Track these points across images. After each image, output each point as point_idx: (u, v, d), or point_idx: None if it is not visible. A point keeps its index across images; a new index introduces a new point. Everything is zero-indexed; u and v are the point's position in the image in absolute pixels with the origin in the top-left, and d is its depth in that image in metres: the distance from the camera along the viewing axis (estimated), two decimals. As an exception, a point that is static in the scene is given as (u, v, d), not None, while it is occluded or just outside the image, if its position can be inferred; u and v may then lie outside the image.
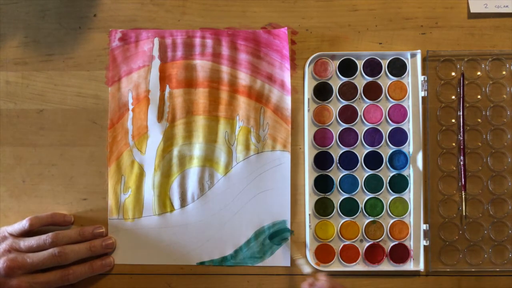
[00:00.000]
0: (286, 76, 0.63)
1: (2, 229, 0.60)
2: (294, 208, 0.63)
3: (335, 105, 0.63)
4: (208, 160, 0.63)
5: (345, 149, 0.63)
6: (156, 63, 0.63)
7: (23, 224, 0.59)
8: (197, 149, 0.63)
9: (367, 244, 0.62)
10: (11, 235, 0.59)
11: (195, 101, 0.63)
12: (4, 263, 0.56)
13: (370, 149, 0.63)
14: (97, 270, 0.61)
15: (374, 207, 0.62)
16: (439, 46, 0.63)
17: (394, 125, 0.63)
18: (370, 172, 0.63)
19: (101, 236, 0.61)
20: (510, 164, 0.63)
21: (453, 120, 0.63)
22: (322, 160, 0.63)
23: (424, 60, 0.63)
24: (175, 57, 0.63)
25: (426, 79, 0.62)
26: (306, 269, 0.57)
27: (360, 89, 0.63)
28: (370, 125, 0.63)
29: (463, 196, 0.62)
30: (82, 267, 0.60)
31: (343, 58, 0.63)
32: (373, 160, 0.63)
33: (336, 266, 0.62)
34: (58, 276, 0.58)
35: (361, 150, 0.63)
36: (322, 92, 0.63)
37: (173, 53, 0.63)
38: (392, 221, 0.62)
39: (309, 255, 0.62)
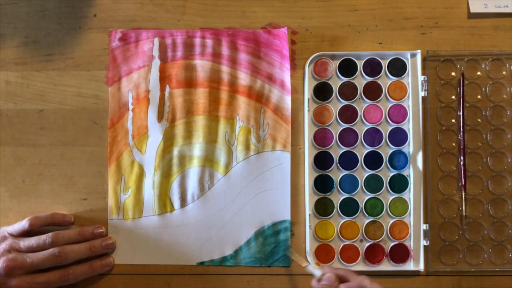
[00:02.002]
0: (286, 76, 0.63)
1: (2, 229, 0.60)
2: (294, 208, 0.63)
3: (335, 105, 0.63)
4: (208, 160, 0.63)
5: (345, 149, 0.63)
6: (156, 63, 0.63)
7: (23, 224, 0.59)
8: (197, 149, 0.63)
9: (367, 244, 0.62)
10: (11, 235, 0.59)
11: (195, 101, 0.63)
12: (4, 263, 0.56)
13: (370, 149, 0.63)
14: (97, 270, 0.61)
15: (374, 207, 0.62)
16: (439, 46, 0.63)
17: (394, 125, 0.63)
18: (370, 172, 0.63)
19: (101, 236, 0.61)
20: (510, 164, 0.63)
21: (453, 120, 0.63)
22: (322, 160, 0.63)
23: (424, 60, 0.63)
24: (175, 57, 0.63)
25: (426, 79, 0.62)
26: (318, 273, 0.57)
27: (360, 89, 0.63)
28: (370, 125, 0.63)
29: (463, 196, 0.62)
30: (82, 267, 0.60)
31: (343, 58, 0.63)
32: (373, 160, 0.63)
33: (336, 266, 0.62)
34: (58, 276, 0.58)
35: (361, 150, 0.63)
36: (322, 92, 0.63)
37: (173, 53, 0.63)
38: (392, 221, 0.62)
39: (309, 255, 0.62)
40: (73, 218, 0.62)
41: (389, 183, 0.62)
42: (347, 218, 0.62)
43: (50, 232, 0.59)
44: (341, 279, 0.54)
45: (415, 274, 0.62)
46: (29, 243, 0.58)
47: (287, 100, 0.63)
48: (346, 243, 0.62)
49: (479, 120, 0.63)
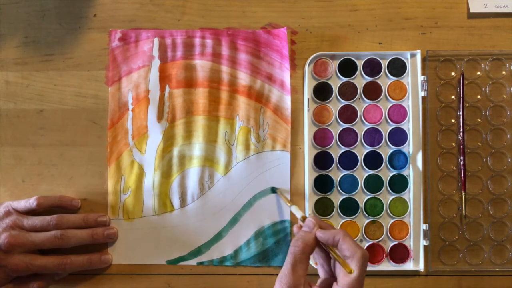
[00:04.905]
0: (286, 76, 0.63)
1: (7, 204, 0.59)
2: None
3: (335, 105, 0.63)
4: (208, 160, 0.63)
5: (345, 149, 0.63)
6: (156, 63, 0.63)
7: (30, 202, 0.59)
8: (197, 149, 0.63)
9: (367, 244, 0.62)
10: (16, 211, 0.59)
11: (195, 101, 0.63)
12: (5, 239, 0.56)
13: (370, 149, 0.63)
14: (94, 264, 0.60)
15: (374, 207, 0.62)
16: (439, 46, 0.63)
17: (394, 125, 0.63)
18: (370, 172, 0.63)
19: (104, 225, 0.61)
20: (510, 164, 0.63)
21: (453, 120, 0.63)
22: (322, 160, 0.63)
23: (424, 60, 0.63)
24: (175, 57, 0.63)
25: (426, 79, 0.62)
26: (299, 214, 0.57)
27: (360, 89, 0.63)
28: (370, 125, 0.63)
29: (463, 196, 0.62)
30: (81, 258, 0.59)
31: (343, 58, 0.63)
32: (373, 160, 0.63)
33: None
34: (55, 262, 0.58)
35: (361, 150, 0.63)
36: (322, 92, 0.63)
37: (173, 53, 0.63)
38: (392, 221, 0.62)
39: (309, 255, 0.62)
40: (80, 203, 0.62)
41: (389, 183, 0.62)
42: (347, 218, 0.62)
43: (55, 214, 0.59)
44: (320, 228, 0.53)
45: (415, 274, 0.62)
46: (33, 222, 0.58)
47: (287, 100, 0.63)
48: (346, 243, 0.62)
49: (479, 120, 0.63)
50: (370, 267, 0.62)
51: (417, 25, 0.64)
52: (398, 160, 0.63)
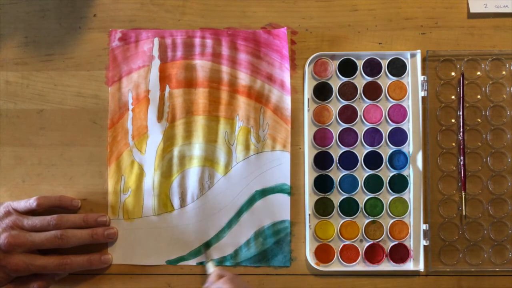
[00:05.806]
0: (286, 76, 0.63)
1: (7, 204, 0.59)
2: (294, 208, 0.63)
3: (335, 105, 0.63)
4: (208, 160, 0.63)
5: (345, 149, 0.63)
6: (156, 63, 0.63)
7: (30, 202, 0.59)
8: (197, 149, 0.63)
9: (367, 244, 0.62)
10: (16, 211, 0.59)
11: (195, 101, 0.63)
12: (5, 239, 0.56)
13: (370, 149, 0.63)
14: (94, 264, 0.60)
15: (374, 207, 0.62)
16: (439, 46, 0.63)
17: (394, 125, 0.63)
18: (370, 172, 0.63)
19: (104, 225, 0.61)
20: (510, 164, 0.63)
21: (453, 120, 0.63)
22: (322, 160, 0.63)
23: (424, 60, 0.63)
24: (175, 57, 0.63)
25: (426, 79, 0.62)
26: (210, 270, 0.60)
27: (360, 89, 0.63)
28: (370, 125, 0.63)
29: (463, 196, 0.62)
30: (80, 258, 0.59)
31: (343, 58, 0.63)
32: (373, 160, 0.63)
33: (336, 266, 0.62)
34: (55, 263, 0.58)
35: (361, 150, 0.63)
36: (322, 92, 0.63)
37: (173, 53, 0.63)
38: (392, 221, 0.62)
39: (309, 255, 0.62)
40: (80, 203, 0.62)
41: (389, 183, 0.62)
42: (347, 218, 0.62)
43: (55, 214, 0.59)
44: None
45: (415, 274, 0.62)
46: (33, 222, 0.58)
47: (287, 100, 0.63)
48: (346, 243, 0.62)
49: (479, 120, 0.63)
50: (370, 267, 0.62)
51: (417, 25, 0.64)
52: (398, 160, 0.63)
